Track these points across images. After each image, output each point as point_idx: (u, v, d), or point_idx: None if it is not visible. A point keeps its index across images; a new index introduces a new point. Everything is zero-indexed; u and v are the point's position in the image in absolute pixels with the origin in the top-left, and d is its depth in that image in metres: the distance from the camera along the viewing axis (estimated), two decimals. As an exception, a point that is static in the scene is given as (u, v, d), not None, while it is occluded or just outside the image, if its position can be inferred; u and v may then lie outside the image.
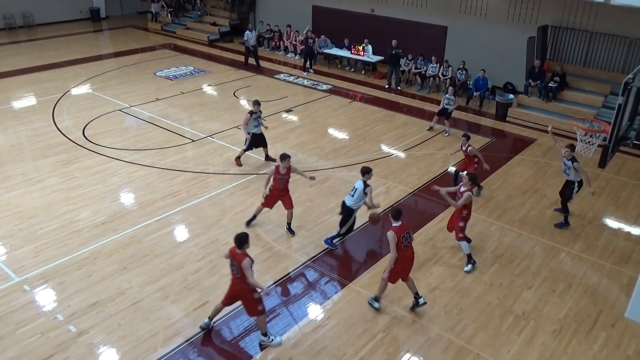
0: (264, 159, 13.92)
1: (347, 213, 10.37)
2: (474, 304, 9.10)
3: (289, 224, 10.90)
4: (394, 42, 19.87)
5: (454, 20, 20.55)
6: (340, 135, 16.10)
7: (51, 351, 7.87)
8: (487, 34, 19.65)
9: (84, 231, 10.76)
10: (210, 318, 8.34)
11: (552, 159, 14.59)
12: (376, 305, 8.91)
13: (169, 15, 29.92)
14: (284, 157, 10.38)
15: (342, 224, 10.51)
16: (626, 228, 11.60)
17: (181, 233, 10.95)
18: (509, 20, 19.14)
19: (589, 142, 13.43)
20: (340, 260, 10.28)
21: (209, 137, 15.42)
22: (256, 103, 13.34)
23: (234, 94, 19.45)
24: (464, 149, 12.27)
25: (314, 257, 10.23)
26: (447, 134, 15.91)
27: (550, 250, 10.62)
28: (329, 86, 20.60)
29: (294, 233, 10.91)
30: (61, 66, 22.23)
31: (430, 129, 16.29)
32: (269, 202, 10.77)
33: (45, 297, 8.96)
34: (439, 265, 10.04)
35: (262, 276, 9.57)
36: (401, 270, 8.60)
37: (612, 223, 11.73)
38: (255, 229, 10.97)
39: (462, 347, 8.18)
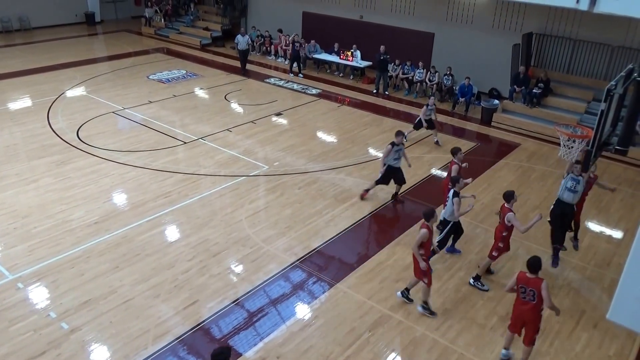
0: (391, 197, 12.74)
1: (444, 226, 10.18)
2: (459, 304, 9.27)
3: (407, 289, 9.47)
4: (382, 48, 20.10)
5: (440, 27, 20.84)
6: (329, 138, 16.32)
7: (44, 348, 7.97)
8: (473, 40, 19.95)
9: (77, 230, 10.88)
10: (506, 348, 8.17)
11: (535, 164, 14.88)
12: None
13: (163, 19, 30.06)
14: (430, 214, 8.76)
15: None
16: (608, 231, 11.83)
17: (172, 233, 11.09)
18: (494, 28, 19.45)
19: (571, 147, 13.70)
20: (328, 261, 10.42)
21: (200, 140, 15.57)
22: (399, 134, 12.17)
23: (225, 97, 19.61)
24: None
25: (302, 257, 10.39)
26: (406, 140, 15.71)
27: (534, 252, 10.68)
28: (318, 90, 20.82)
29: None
30: (56, 69, 22.31)
31: (437, 142, 15.94)
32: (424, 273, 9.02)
33: (38, 295, 9.08)
34: (424, 266, 10.23)
35: (251, 276, 9.77)
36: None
37: (594, 226, 11.95)
38: (246, 229, 11.16)
39: (446, 347, 8.34)
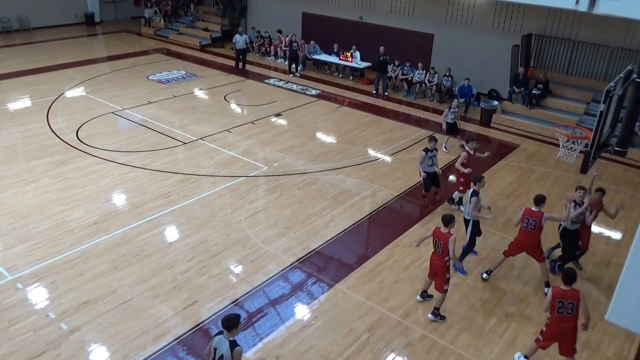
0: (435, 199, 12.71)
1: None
2: (458, 305, 9.29)
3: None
4: (381, 48, 20.12)
5: (440, 28, 20.87)
6: (328, 139, 16.33)
7: (43, 348, 7.98)
8: (473, 41, 19.97)
9: (76, 231, 10.88)
10: (527, 357, 8.12)
11: (535, 165, 14.90)
12: None
13: (162, 20, 30.08)
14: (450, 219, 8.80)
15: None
16: (607, 232, 11.85)
17: (171, 234, 11.09)
18: (493, 29, 19.47)
19: (571, 148, 13.71)
20: (327, 262, 10.43)
21: (199, 140, 15.58)
22: (432, 139, 12.06)
23: (224, 98, 19.63)
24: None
25: (301, 258, 10.40)
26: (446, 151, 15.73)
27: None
28: (318, 91, 20.83)
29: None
30: (56, 69, 22.33)
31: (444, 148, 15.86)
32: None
33: (38, 295, 9.08)
34: (424, 268, 10.18)
35: (250, 277, 9.78)
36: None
37: (593, 227, 11.76)
38: (245, 230, 11.17)
39: (445, 348, 8.36)
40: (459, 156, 11.99)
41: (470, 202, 9.85)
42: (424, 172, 12.03)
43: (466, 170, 11.59)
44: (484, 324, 8.90)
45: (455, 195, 12.19)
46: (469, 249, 10.37)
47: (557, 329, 7.56)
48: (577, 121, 16.50)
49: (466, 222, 10.19)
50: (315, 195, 12.74)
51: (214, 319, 8.70)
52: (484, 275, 10.04)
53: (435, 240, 8.72)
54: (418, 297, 9.39)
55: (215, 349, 6.33)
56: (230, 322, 6.25)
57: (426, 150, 11.93)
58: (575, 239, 10.14)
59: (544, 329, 7.77)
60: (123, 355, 7.94)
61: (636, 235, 7.57)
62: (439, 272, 8.75)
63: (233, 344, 6.21)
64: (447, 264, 8.68)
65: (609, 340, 8.69)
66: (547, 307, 7.58)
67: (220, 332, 6.35)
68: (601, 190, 10.38)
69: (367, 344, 8.36)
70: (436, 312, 8.96)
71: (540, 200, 9.35)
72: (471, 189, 10.04)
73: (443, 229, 8.62)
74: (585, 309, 7.40)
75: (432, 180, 12.25)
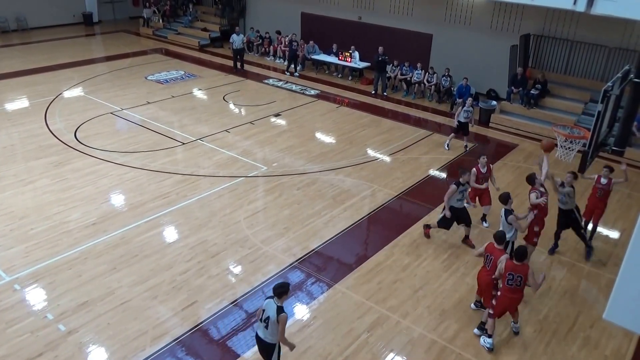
0: (461, 240, 11.18)
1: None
2: (457, 305, 9.29)
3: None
4: (380, 49, 20.13)
5: (439, 28, 20.86)
6: (327, 139, 16.32)
7: (41, 350, 7.97)
8: (471, 42, 19.98)
9: (74, 232, 10.87)
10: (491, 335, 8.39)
11: (533, 165, 14.90)
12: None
13: (161, 20, 30.08)
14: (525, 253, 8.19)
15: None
16: (605, 231, 11.84)
17: (170, 234, 11.08)
18: (492, 29, 19.47)
19: (569, 147, 13.71)
20: (326, 262, 10.42)
21: (198, 140, 15.58)
22: (464, 172, 10.63)
23: (223, 98, 19.63)
24: (603, 182, 10.71)
25: (300, 258, 10.40)
26: (467, 149, 15.71)
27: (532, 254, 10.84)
28: (317, 91, 20.83)
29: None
30: (54, 69, 22.33)
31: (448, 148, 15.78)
32: None
33: (35, 297, 9.07)
34: (423, 268, 10.23)
35: (250, 277, 9.78)
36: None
37: (591, 227, 11.97)
38: (244, 230, 11.16)
39: (444, 347, 8.37)
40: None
41: (509, 222, 9.26)
42: (453, 206, 10.64)
43: (482, 186, 11.41)
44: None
45: (485, 209, 11.74)
46: None
47: (507, 299, 8.16)
48: (575, 121, 16.51)
49: (506, 244, 9.15)
50: (314, 195, 12.73)
51: (213, 320, 8.70)
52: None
53: (487, 255, 8.54)
54: (472, 306, 9.27)
55: (264, 310, 6.85)
56: (281, 290, 6.77)
57: (457, 183, 10.50)
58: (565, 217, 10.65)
59: (494, 303, 8.32)
60: (122, 356, 7.93)
61: (634, 234, 7.59)
62: (485, 289, 8.68)
63: (280, 310, 6.70)
64: (495, 282, 8.49)
65: (607, 339, 8.70)
66: (498, 275, 8.27)
67: (272, 296, 6.85)
68: (609, 168, 10.86)
69: (367, 344, 8.36)
70: (481, 327, 8.62)
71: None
72: (502, 209, 9.49)
73: (497, 245, 8.46)
74: (533, 282, 8.03)
75: (458, 217, 10.79)
